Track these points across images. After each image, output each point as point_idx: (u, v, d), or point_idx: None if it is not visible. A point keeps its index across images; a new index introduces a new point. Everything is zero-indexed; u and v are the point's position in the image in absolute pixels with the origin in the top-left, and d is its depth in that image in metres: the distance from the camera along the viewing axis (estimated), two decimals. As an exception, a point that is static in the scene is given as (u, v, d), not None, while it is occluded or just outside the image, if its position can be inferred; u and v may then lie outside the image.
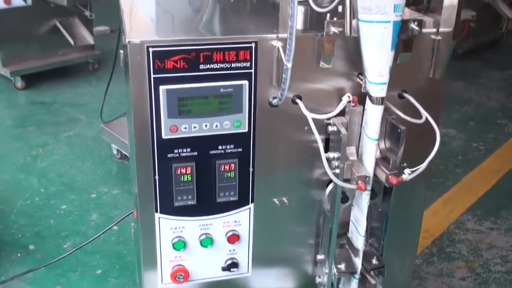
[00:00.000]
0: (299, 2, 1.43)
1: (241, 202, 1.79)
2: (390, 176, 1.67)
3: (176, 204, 1.73)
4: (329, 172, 1.64)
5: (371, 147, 1.67)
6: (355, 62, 1.68)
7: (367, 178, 1.68)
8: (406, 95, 1.76)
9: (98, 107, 4.18)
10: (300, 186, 1.84)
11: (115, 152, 4.28)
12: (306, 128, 1.72)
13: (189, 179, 1.70)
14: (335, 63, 1.67)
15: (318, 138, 1.63)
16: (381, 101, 1.62)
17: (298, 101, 1.68)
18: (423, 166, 1.67)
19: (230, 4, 2.09)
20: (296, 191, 1.84)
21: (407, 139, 1.68)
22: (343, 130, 1.66)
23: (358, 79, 1.70)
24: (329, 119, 1.71)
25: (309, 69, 1.67)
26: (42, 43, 5.75)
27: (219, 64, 1.60)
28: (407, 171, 1.67)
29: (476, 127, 5.13)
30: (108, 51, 5.69)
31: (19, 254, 3.18)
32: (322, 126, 1.72)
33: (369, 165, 1.69)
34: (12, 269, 3.05)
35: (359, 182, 1.66)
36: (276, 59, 1.61)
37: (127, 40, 1.52)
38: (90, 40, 6.01)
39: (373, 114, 1.63)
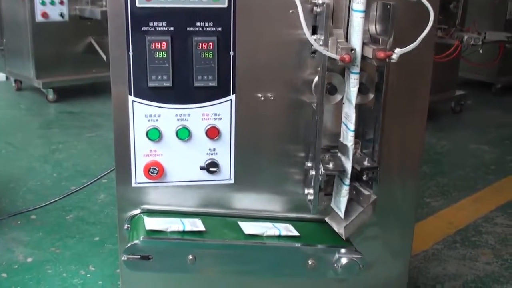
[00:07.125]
0: None
1: (221, 91, 1.68)
2: (377, 52, 1.54)
3: (151, 84, 1.63)
4: (311, 38, 1.53)
5: (357, 20, 1.55)
6: None
7: (352, 51, 1.55)
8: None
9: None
10: (286, 82, 1.72)
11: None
12: (291, 11, 1.62)
13: (164, 56, 1.61)
14: None
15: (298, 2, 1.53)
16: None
17: None
18: (414, 44, 1.54)
19: None
20: (282, 87, 1.72)
21: (399, 26, 1.57)
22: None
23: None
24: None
25: None
26: (77, 59, 5.89)
27: None
28: (397, 50, 1.55)
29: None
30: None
31: (19, 222, 3.09)
32: (308, 13, 1.63)
33: (355, 40, 1.57)
34: (10, 233, 2.97)
35: (343, 54, 1.53)
36: None
37: None
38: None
39: (358, -19, 1.53)
